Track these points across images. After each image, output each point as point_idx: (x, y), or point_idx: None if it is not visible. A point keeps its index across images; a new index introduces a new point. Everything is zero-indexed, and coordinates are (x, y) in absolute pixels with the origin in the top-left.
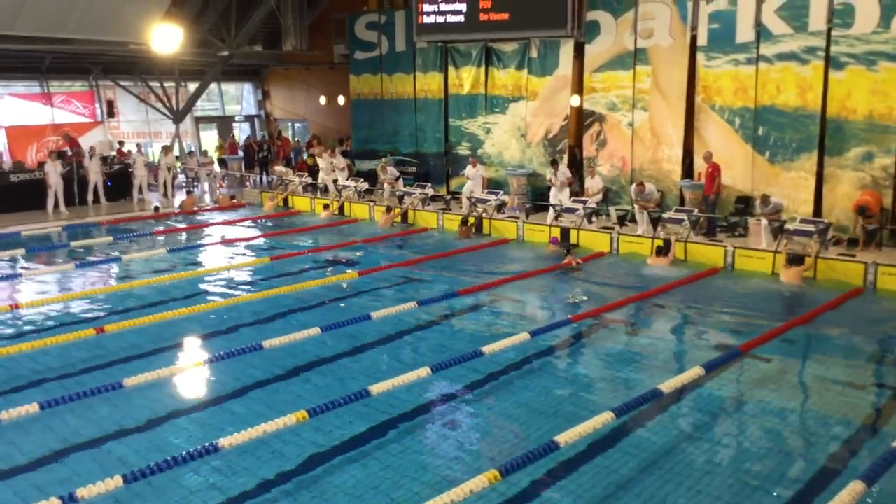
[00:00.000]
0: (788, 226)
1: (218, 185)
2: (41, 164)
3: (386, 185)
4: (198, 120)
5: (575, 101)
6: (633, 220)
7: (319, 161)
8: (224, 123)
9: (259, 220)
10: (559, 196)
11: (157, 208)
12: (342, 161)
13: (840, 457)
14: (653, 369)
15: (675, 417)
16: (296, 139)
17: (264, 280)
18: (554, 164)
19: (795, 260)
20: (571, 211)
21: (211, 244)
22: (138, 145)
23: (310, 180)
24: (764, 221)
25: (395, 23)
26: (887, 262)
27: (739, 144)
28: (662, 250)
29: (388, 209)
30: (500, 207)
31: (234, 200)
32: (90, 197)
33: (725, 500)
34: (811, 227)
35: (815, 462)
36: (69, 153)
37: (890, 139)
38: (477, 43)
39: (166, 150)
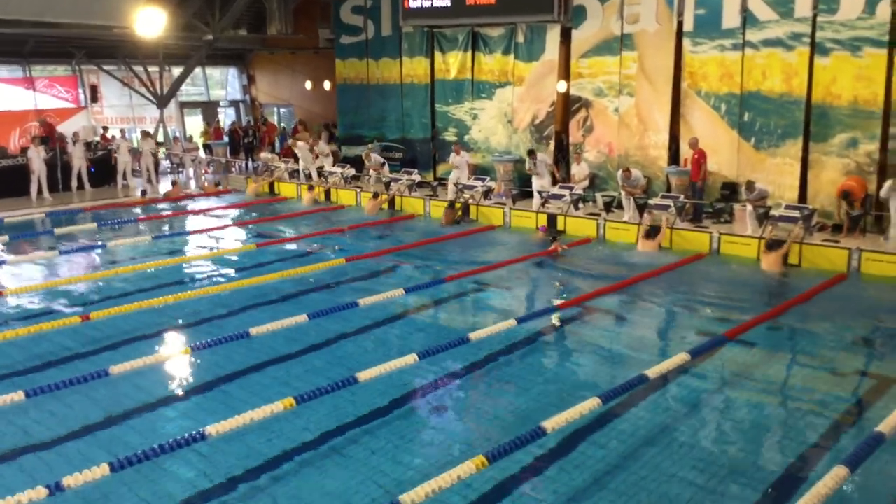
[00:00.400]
0: (773, 212)
1: (203, 171)
2: (24, 150)
3: (371, 172)
4: (182, 105)
5: (561, 86)
6: (620, 207)
7: (297, 151)
8: (209, 108)
9: (245, 207)
10: (541, 183)
11: (143, 192)
12: (326, 147)
13: (823, 442)
14: (639, 355)
15: (661, 403)
16: (281, 125)
17: (250, 267)
18: (531, 154)
19: (774, 245)
20: (558, 197)
21: (196, 231)
22: (122, 130)
23: (296, 166)
24: (749, 207)
25: (380, 7)
26: (871, 247)
27: (725, 130)
28: (651, 233)
29: (375, 195)
30: (487, 194)
31: (220, 187)
32: (74, 183)
33: (711, 485)
34: (796, 213)
35: (798, 447)
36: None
37: (874, 125)
38: (463, 28)
39: (145, 135)
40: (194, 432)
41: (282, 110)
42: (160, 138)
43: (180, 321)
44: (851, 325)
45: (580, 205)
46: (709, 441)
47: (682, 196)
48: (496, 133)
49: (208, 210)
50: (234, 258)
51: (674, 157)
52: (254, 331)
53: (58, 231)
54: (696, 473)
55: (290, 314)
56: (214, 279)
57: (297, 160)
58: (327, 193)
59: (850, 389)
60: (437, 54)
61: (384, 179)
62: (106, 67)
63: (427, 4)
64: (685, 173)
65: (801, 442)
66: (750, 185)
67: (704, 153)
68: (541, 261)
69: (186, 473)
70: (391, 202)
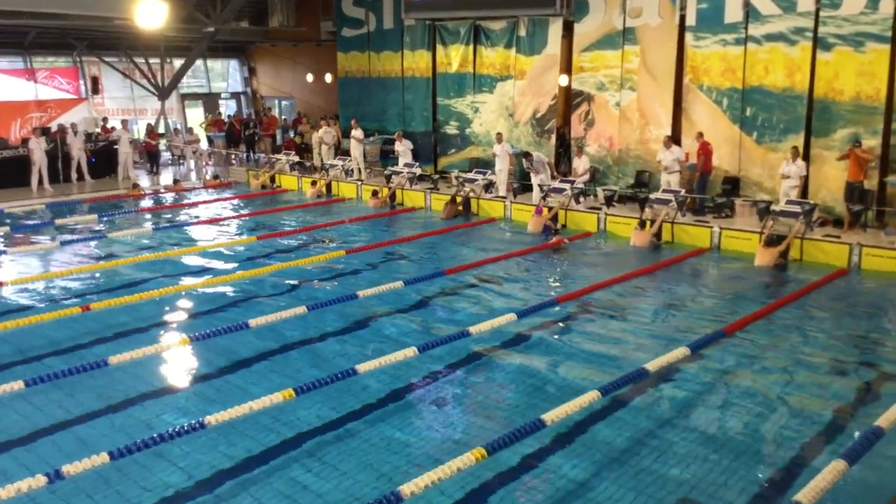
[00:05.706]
0: (774, 207)
1: (205, 164)
2: (25, 141)
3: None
4: (183, 97)
5: (563, 80)
6: (621, 201)
7: (323, 131)
8: (210, 100)
9: (246, 199)
10: (541, 177)
11: (135, 185)
12: (360, 133)
13: (823, 436)
14: (638, 349)
15: (660, 397)
16: (283, 117)
17: (251, 259)
18: (527, 156)
19: (774, 241)
20: (559, 191)
21: (197, 223)
22: (123, 122)
23: (297, 159)
24: (789, 182)
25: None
26: (872, 243)
27: (727, 125)
28: (643, 225)
29: (374, 193)
30: (488, 187)
31: (219, 180)
32: (74, 174)
33: (710, 479)
34: (797, 209)
35: (798, 441)
36: (53, 129)
37: (876, 120)
38: (465, 21)
39: (125, 124)
40: (194, 422)
41: (283, 103)
42: (161, 130)
43: (180, 312)
44: (851, 320)
45: (581, 199)
46: (707, 435)
47: (684, 190)
48: (497, 127)
49: (209, 202)
50: (235, 250)
51: None
52: (253, 322)
53: (58, 222)
54: (696, 467)
55: (290, 306)
56: (214, 271)
57: (298, 153)
58: (328, 186)
59: (849, 384)
60: (439, 47)
61: (385, 173)
62: (107, 59)
63: None
64: (688, 167)
65: (800, 435)
66: (795, 153)
67: (708, 145)
68: (541, 254)
69: (185, 462)
70: (392, 195)
